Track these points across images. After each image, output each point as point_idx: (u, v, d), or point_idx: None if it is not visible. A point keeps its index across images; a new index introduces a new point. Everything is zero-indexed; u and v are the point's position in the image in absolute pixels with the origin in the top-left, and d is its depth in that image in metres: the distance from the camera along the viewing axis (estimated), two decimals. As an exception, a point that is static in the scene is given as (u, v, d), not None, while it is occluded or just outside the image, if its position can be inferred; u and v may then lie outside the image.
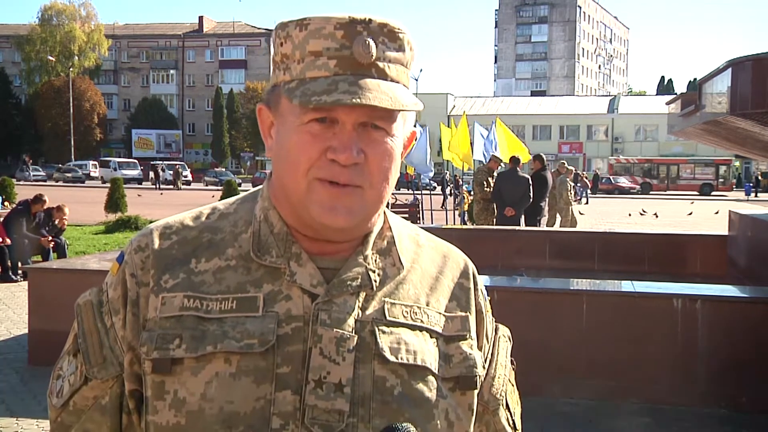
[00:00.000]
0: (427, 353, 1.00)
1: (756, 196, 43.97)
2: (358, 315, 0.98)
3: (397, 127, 0.98)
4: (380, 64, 0.95)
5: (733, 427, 4.70)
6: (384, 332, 0.98)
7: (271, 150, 1.02)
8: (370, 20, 0.94)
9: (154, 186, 45.76)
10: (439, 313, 1.04)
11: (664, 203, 34.06)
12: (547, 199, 13.08)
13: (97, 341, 1.02)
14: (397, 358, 0.97)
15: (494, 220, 12.15)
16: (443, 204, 22.57)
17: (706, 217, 23.73)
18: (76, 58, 68.41)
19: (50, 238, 10.66)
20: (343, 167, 0.94)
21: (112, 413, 1.01)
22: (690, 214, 25.27)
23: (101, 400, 1.01)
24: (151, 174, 48.15)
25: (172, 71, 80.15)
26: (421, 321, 1.02)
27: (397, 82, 0.96)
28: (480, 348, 1.09)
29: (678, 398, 5.00)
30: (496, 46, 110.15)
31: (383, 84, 0.93)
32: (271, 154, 1.02)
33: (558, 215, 15.30)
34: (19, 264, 10.09)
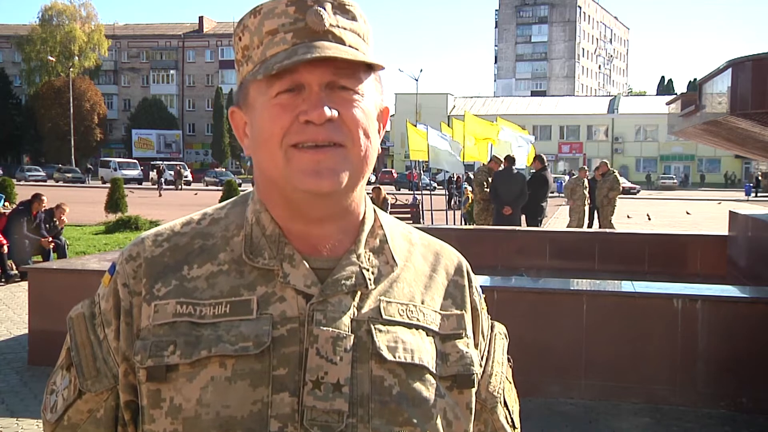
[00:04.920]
0: (424, 352, 0.99)
1: (756, 196, 43.94)
2: (354, 314, 0.96)
3: (365, 88, 0.98)
4: (336, 31, 0.96)
5: (733, 427, 4.70)
6: (381, 331, 0.97)
7: (249, 148, 1.02)
8: None
9: (155, 186, 45.75)
10: (435, 312, 1.03)
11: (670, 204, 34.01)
12: (548, 200, 13.09)
13: (90, 354, 1.00)
14: (394, 357, 0.96)
15: (492, 220, 12.15)
16: (449, 204, 22.52)
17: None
18: (76, 58, 68.24)
19: (50, 238, 10.67)
20: (318, 126, 0.93)
21: (107, 426, 1.00)
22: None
23: (96, 414, 1.00)
24: (152, 174, 48.14)
25: (172, 71, 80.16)
26: (417, 319, 1.00)
27: (356, 49, 0.97)
28: (476, 346, 1.08)
29: (678, 398, 5.00)
30: (496, 46, 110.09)
31: (341, 46, 0.95)
32: (250, 151, 1.01)
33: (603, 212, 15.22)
34: (13, 265, 10.10)
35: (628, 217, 22.90)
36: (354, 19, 0.98)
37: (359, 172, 0.98)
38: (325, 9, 0.95)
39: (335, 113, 0.94)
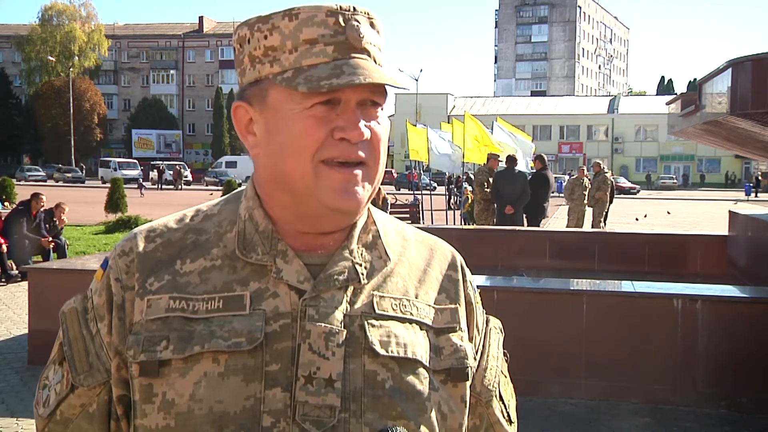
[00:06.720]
0: (418, 346, 0.99)
1: (756, 196, 43.95)
2: (347, 309, 0.97)
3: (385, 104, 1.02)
4: (370, 48, 0.98)
5: (733, 427, 4.70)
6: (373, 326, 0.97)
7: (255, 147, 1.00)
8: (354, 8, 0.97)
9: (155, 186, 45.78)
10: (429, 306, 1.04)
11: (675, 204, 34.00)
12: (549, 200, 13.07)
13: (83, 348, 1.01)
14: (387, 352, 0.96)
15: (494, 219, 12.15)
16: (448, 203, 22.51)
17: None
18: (76, 58, 68.26)
19: (50, 238, 10.67)
20: (353, 145, 0.94)
21: (100, 421, 1.00)
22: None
23: (88, 408, 1.00)
24: (151, 174, 48.17)
25: (172, 71, 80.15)
26: (411, 313, 1.01)
27: (381, 66, 0.99)
28: (470, 339, 1.08)
29: (678, 398, 5.00)
30: (496, 46, 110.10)
31: (377, 67, 0.97)
32: (257, 150, 1.00)
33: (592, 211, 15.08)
34: (13, 265, 10.10)
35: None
36: (379, 33, 1.00)
37: (375, 189, 1.00)
38: (361, 24, 0.97)
39: (369, 133, 0.95)
